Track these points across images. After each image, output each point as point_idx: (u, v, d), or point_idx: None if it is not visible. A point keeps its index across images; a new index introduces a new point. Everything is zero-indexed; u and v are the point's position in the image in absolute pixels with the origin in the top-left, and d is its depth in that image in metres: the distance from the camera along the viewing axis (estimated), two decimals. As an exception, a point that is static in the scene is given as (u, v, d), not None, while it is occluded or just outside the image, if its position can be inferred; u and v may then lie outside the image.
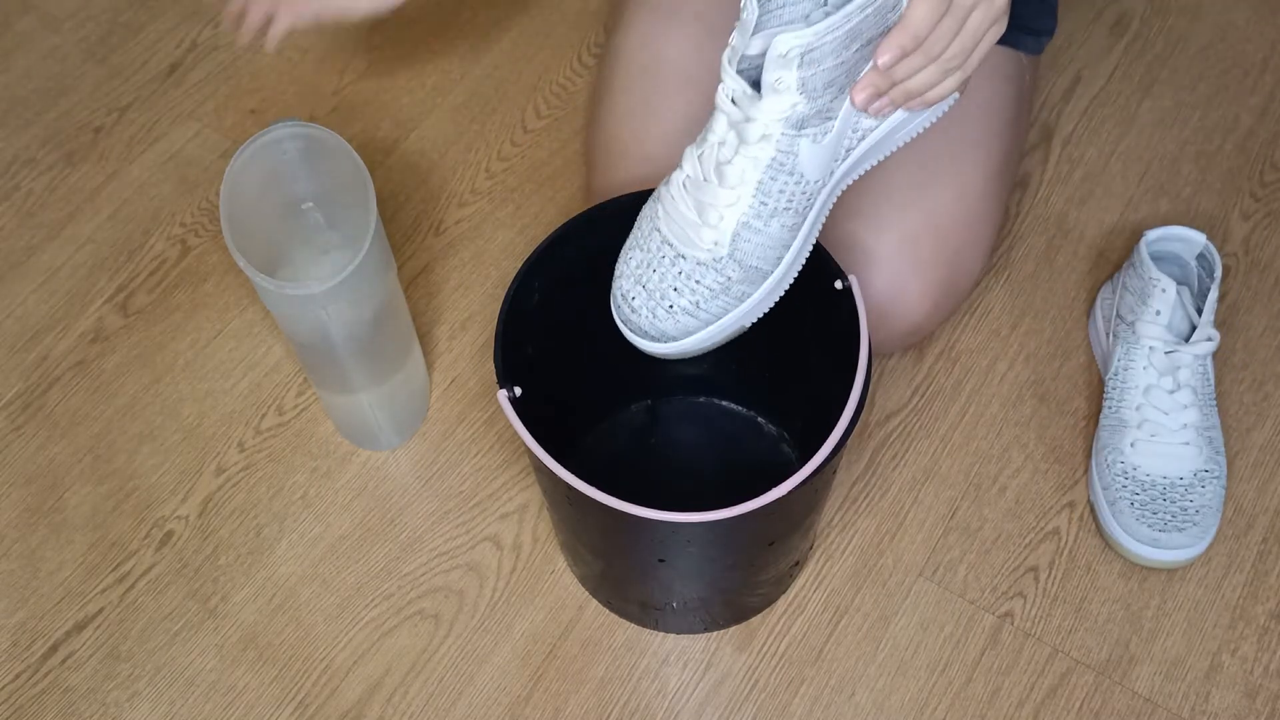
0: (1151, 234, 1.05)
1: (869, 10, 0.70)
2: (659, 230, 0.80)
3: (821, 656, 0.98)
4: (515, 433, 0.87)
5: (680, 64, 1.01)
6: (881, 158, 0.81)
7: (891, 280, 0.96)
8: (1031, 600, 1.00)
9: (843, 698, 0.96)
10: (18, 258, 1.18)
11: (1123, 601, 0.99)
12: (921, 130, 0.80)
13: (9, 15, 1.34)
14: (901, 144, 0.81)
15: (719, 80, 0.76)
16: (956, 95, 0.79)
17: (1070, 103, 1.25)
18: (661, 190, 0.81)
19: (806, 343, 0.92)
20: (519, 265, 0.88)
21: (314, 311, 0.89)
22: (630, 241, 0.83)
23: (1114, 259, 1.15)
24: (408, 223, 1.19)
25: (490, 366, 1.12)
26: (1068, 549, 1.02)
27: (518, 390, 0.82)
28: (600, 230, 0.90)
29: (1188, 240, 1.05)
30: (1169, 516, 0.98)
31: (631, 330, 0.82)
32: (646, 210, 0.82)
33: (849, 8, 0.70)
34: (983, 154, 1.00)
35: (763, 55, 0.74)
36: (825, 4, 0.74)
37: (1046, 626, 0.99)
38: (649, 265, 0.80)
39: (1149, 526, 0.98)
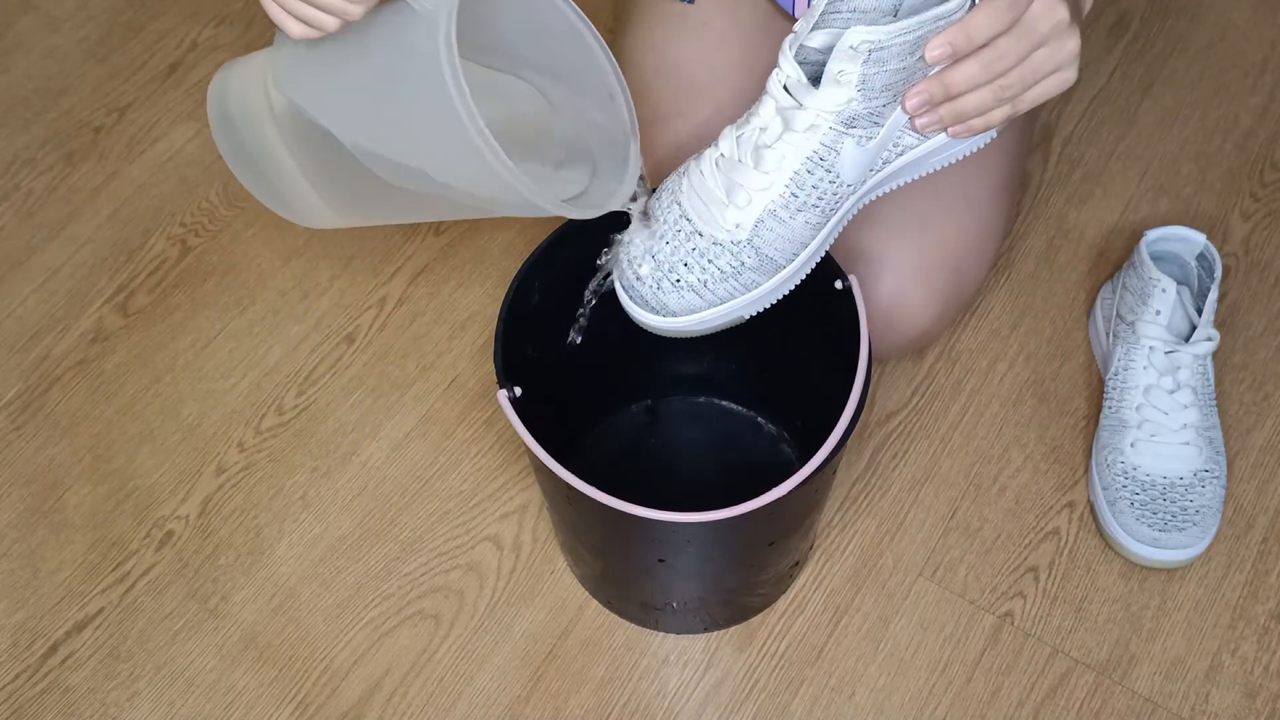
0: (1151, 234, 1.05)
1: (942, 22, 0.70)
2: (679, 204, 0.80)
3: (821, 656, 0.98)
4: (515, 433, 0.87)
5: (689, 70, 1.01)
6: (910, 179, 0.80)
7: (896, 287, 0.96)
8: (1031, 600, 1.00)
9: (843, 698, 0.96)
10: (18, 258, 1.18)
11: (1123, 601, 0.99)
12: (956, 160, 0.80)
13: (9, 15, 1.34)
14: (933, 169, 0.80)
15: (774, 66, 0.75)
16: (995, 132, 0.78)
17: (1070, 103, 1.25)
18: (690, 165, 0.80)
19: (806, 343, 0.92)
20: (519, 265, 0.88)
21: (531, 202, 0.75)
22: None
23: (1114, 259, 1.15)
24: (408, 222, 1.19)
25: (490, 366, 1.12)
26: (1068, 549, 1.02)
27: (518, 390, 0.82)
28: (600, 230, 0.89)
29: (1188, 240, 1.05)
30: (1169, 516, 0.98)
31: (633, 299, 0.81)
32: (668, 184, 0.82)
33: (925, 15, 0.69)
34: (990, 163, 1.00)
35: (820, 50, 0.74)
36: (893, 13, 0.74)
37: (1046, 626, 0.99)
38: (661, 237, 0.80)
39: (1149, 526, 0.98)
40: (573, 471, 0.78)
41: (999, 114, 0.74)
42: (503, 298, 0.86)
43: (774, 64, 0.74)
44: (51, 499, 1.06)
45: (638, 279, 0.80)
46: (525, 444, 0.79)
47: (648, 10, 1.04)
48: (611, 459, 1.05)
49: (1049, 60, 0.72)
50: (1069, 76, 0.74)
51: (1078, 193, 1.19)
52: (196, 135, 1.25)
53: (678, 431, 1.06)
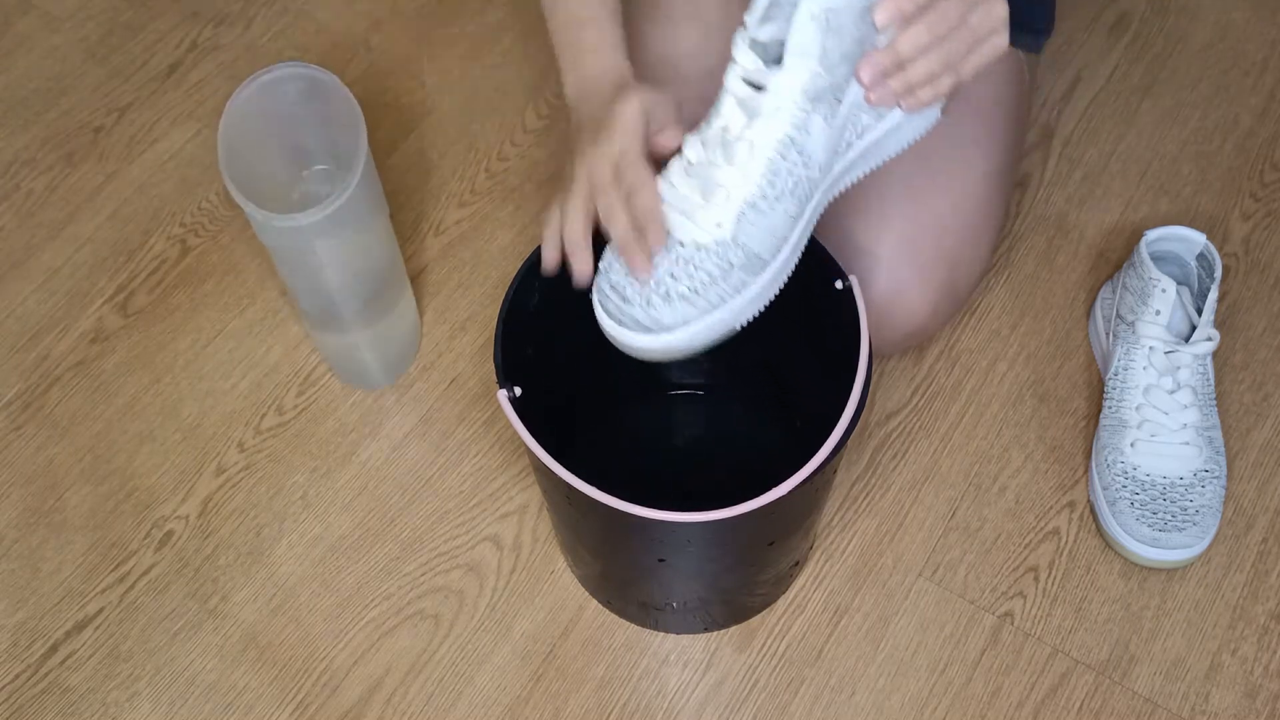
0: (1151, 234, 1.05)
1: None
2: None
3: (821, 656, 0.98)
4: (515, 433, 0.87)
5: (677, 63, 1.01)
6: (875, 165, 0.83)
7: (891, 282, 0.96)
8: (1031, 600, 1.00)
9: (843, 698, 0.96)
10: (18, 258, 1.18)
11: (1123, 601, 0.99)
12: (911, 142, 0.83)
13: (9, 15, 1.34)
14: (893, 154, 0.83)
15: (729, 62, 0.77)
16: (939, 111, 0.82)
17: (1070, 103, 1.25)
18: (658, 182, 0.81)
19: (807, 343, 0.92)
20: (519, 265, 0.88)
21: (306, 245, 0.91)
22: None
23: (1114, 259, 1.15)
24: (408, 223, 1.19)
25: (490, 366, 1.12)
26: (1068, 549, 1.02)
27: (518, 390, 0.82)
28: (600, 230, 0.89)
29: (1188, 240, 1.05)
30: (1169, 516, 0.98)
31: (624, 323, 0.80)
32: None
33: None
34: (981, 153, 1.00)
35: (768, 44, 0.77)
36: None
37: (1046, 626, 0.99)
38: None
39: (1149, 526, 0.98)
40: (573, 471, 0.78)
41: (945, 82, 0.79)
42: (503, 298, 0.86)
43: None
44: (51, 499, 1.06)
45: (625, 301, 0.80)
46: (525, 444, 0.79)
47: (638, 6, 1.05)
48: (611, 459, 1.04)
49: (984, 23, 0.77)
50: (1001, 42, 0.79)
51: (1078, 193, 1.19)
52: (196, 135, 1.25)
53: (678, 431, 1.06)
